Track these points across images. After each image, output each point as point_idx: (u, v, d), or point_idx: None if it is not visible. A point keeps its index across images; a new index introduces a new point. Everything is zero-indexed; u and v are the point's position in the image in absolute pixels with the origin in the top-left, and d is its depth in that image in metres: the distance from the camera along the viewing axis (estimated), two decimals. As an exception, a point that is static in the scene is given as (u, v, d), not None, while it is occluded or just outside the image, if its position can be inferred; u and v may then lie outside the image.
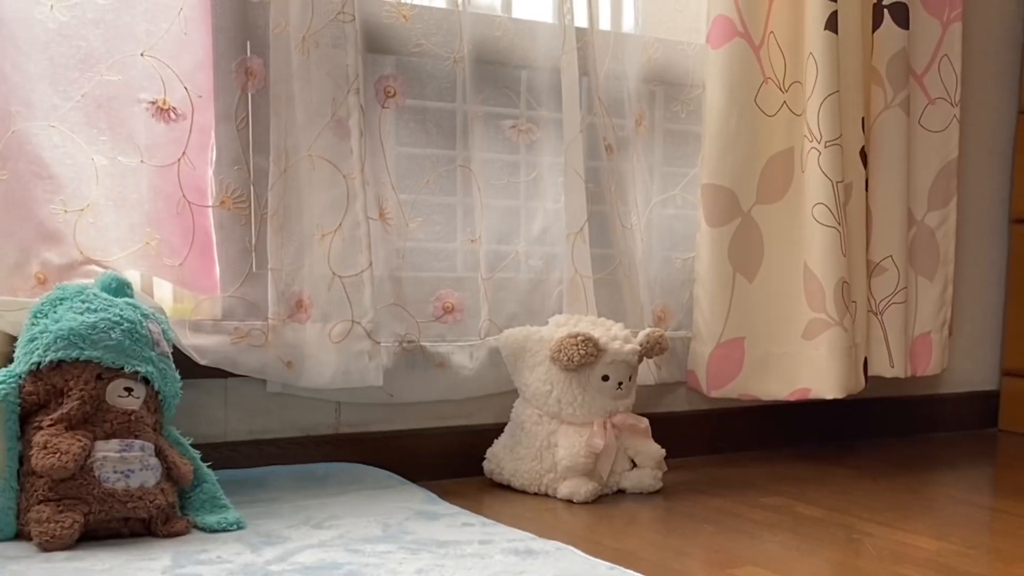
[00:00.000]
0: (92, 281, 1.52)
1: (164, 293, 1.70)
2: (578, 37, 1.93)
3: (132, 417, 1.41)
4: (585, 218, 1.95)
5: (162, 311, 1.57)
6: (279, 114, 1.69)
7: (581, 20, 1.95)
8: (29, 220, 1.56)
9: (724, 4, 2.04)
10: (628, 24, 2.14)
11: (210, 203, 1.68)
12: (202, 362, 1.64)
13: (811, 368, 2.09)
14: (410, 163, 1.89)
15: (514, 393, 1.87)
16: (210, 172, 1.68)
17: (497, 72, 1.95)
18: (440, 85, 1.90)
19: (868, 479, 2.03)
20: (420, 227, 1.89)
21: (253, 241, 1.72)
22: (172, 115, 1.64)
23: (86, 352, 1.40)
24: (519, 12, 1.99)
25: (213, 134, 1.67)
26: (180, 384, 1.51)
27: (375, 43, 1.83)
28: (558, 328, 1.82)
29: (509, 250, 1.97)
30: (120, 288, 1.49)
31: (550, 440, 1.79)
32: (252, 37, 1.70)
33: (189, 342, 1.64)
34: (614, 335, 1.81)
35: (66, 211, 1.58)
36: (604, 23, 2.05)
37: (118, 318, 1.43)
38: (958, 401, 2.60)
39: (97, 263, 1.59)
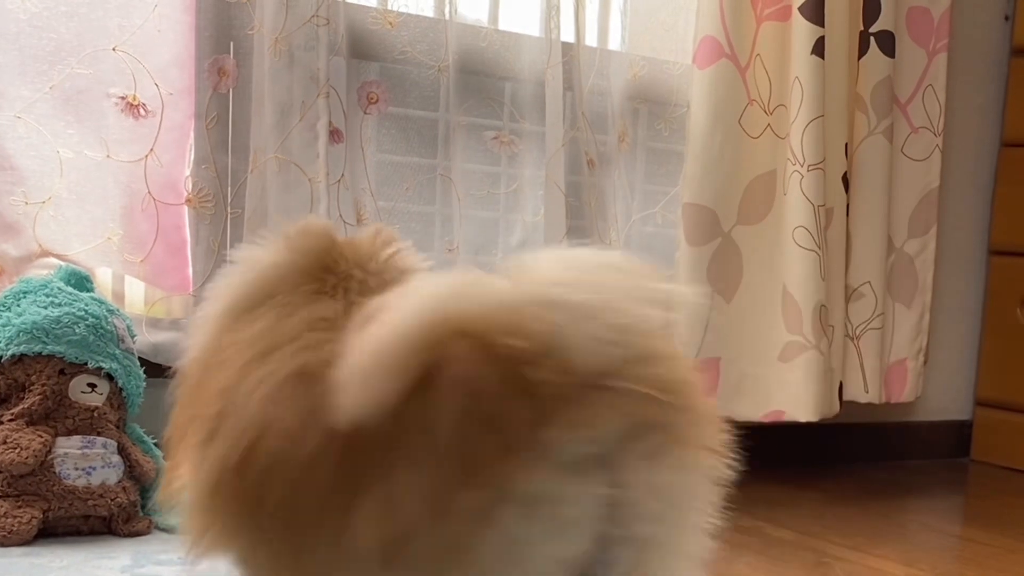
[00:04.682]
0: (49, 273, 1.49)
1: (135, 291, 1.68)
2: (564, 51, 1.93)
3: (95, 414, 1.39)
4: (564, 232, 1.94)
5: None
6: (249, 115, 1.68)
7: (568, 35, 1.94)
8: (-14, 211, 1.54)
9: (711, 25, 2.04)
10: (615, 41, 2.14)
11: (177, 200, 1.66)
12: (155, 359, 1.60)
13: (786, 391, 2.08)
14: (390, 170, 1.88)
15: (487, 405, 1.86)
16: (187, 170, 1.66)
17: (481, 83, 1.95)
18: (423, 93, 1.90)
19: (839, 503, 2.02)
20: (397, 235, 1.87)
21: (218, 241, 1.70)
22: (142, 111, 1.62)
23: (49, 346, 1.38)
24: (505, 24, 1.99)
25: (192, 132, 1.66)
26: (144, 381, 1.49)
27: (359, 49, 1.82)
28: (533, 341, 1.81)
29: (487, 261, 1.96)
30: (79, 282, 1.47)
31: (521, 454, 1.78)
32: (227, 37, 1.69)
33: (145, 339, 1.62)
34: (589, 350, 1.79)
35: (27, 203, 1.56)
36: (591, 39, 2.04)
37: (83, 313, 1.42)
38: (931, 429, 2.60)
39: (56, 256, 1.57)
